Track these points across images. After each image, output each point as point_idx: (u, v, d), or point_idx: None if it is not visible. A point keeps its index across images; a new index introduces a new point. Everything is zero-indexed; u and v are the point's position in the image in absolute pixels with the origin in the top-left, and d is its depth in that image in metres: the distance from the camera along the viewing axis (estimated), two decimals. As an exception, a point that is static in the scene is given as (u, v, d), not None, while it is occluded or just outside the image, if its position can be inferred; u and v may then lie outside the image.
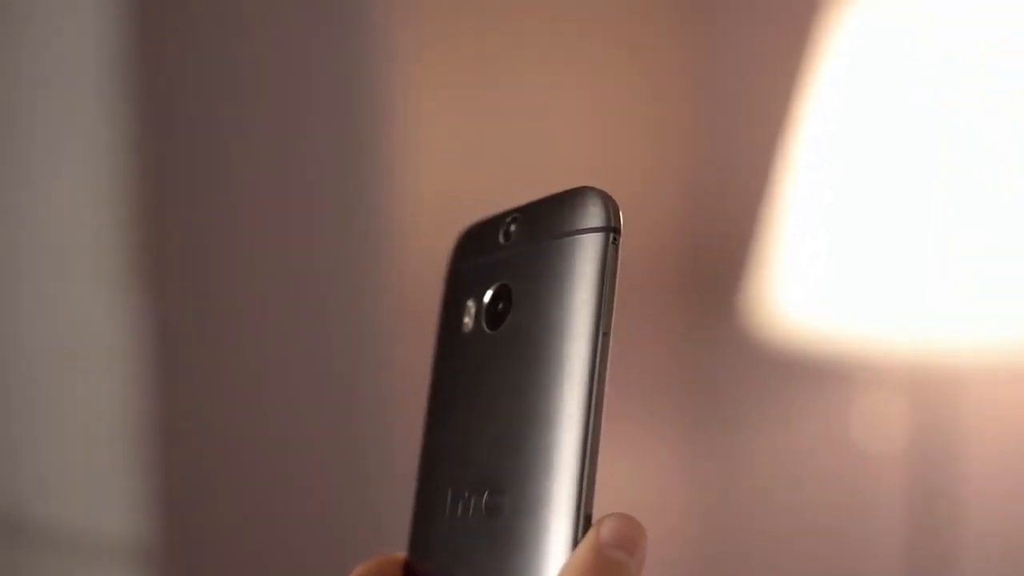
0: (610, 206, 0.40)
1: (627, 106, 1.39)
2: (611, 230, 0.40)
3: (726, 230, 1.42)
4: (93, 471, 1.55)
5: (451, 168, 1.23)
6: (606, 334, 0.39)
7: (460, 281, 0.44)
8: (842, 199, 1.11)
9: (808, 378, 1.38)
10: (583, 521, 0.39)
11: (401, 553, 0.45)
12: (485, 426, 0.41)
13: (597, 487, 0.39)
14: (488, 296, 0.43)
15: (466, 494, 0.42)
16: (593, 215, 0.40)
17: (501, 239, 0.43)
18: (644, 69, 1.40)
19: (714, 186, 1.44)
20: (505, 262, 0.42)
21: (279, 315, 1.32)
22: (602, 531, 0.38)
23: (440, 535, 0.42)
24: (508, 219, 0.43)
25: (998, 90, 1.07)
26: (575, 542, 0.38)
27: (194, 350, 1.41)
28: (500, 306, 0.42)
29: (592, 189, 0.41)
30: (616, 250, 0.40)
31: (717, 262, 1.43)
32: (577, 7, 1.33)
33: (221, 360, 1.38)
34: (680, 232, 1.43)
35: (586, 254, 0.40)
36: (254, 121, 1.32)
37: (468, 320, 0.43)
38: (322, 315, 1.27)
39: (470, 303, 0.43)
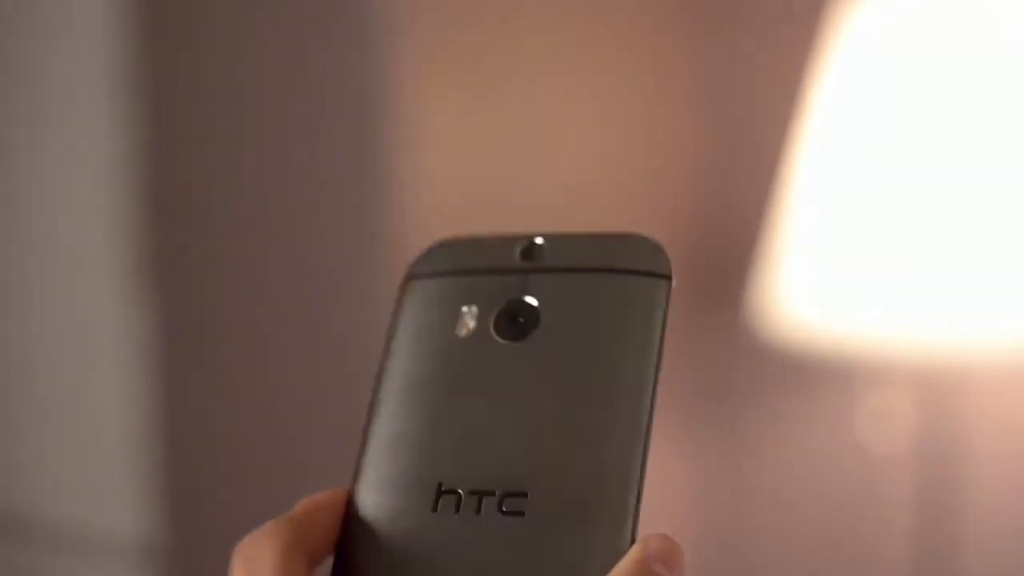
0: (664, 253, 0.43)
1: (634, 108, 1.39)
2: (665, 277, 0.43)
3: (733, 231, 1.42)
4: (101, 471, 1.55)
5: (458, 170, 1.23)
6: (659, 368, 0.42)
7: (445, 288, 0.44)
8: (848, 200, 1.11)
9: (814, 378, 1.38)
10: (631, 536, 0.40)
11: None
12: (498, 428, 0.41)
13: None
14: (502, 307, 0.43)
15: (462, 492, 0.41)
16: (652, 261, 0.43)
17: (520, 258, 0.44)
18: (651, 71, 1.40)
19: (720, 187, 1.44)
20: (525, 281, 0.43)
21: (287, 316, 1.32)
22: (650, 546, 0.40)
23: (423, 529, 0.41)
24: (529, 241, 0.44)
25: (1005, 91, 1.07)
26: (619, 554, 0.40)
27: (202, 350, 1.41)
28: (521, 318, 0.43)
29: (648, 237, 0.44)
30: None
31: (724, 263, 1.43)
32: (585, 10, 1.33)
33: (229, 360, 1.38)
34: (687, 233, 1.43)
35: (644, 296, 0.42)
36: (262, 123, 1.32)
37: (466, 326, 0.43)
38: (330, 316, 1.27)
39: (468, 309, 0.43)
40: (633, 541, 0.40)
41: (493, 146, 1.26)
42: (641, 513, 0.41)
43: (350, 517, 0.42)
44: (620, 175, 1.37)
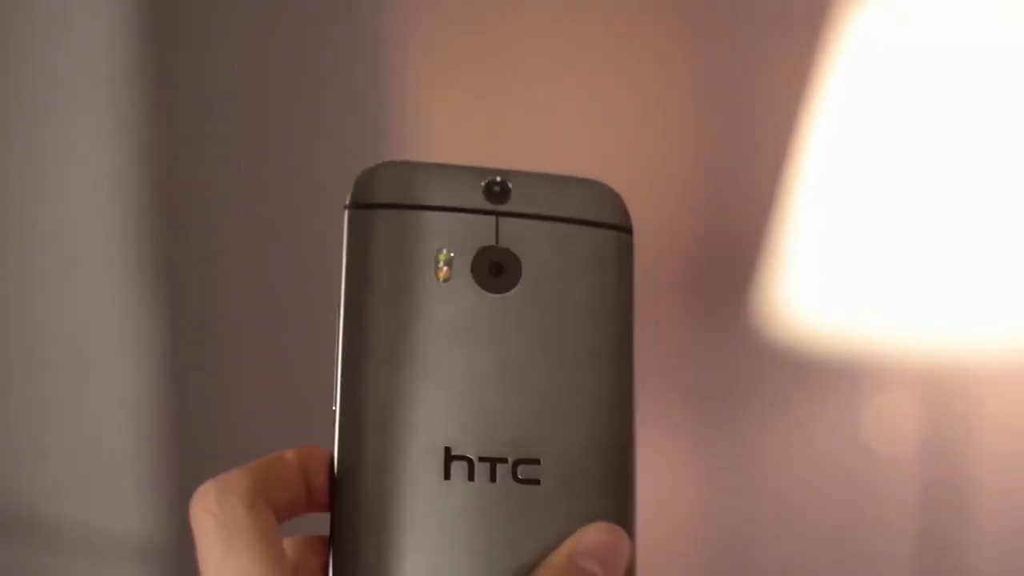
0: (626, 207, 0.43)
1: (637, 107, 1.39)
2: (630, 231, 0.43)
3: (737, 231, 1.42)
4: (103, 471, 1.55)
5: (460, 160, 1.23)
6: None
7: (410, 224, 0.41)
8: (853, 200, 1.11)
9: (819, 378, 1.38)
10: (634, 501, 0.40)
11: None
12: (503, 390, 0.40)
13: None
14: (479, 254, 0.41)
15: (475, 458, 0.39)
16: (619, 214, 0.43)
17: (485, 197, 0.42)
18: (653, 70, 1.40)
19: (725, 187, 1.44)
20: (497, 224, 0.42)
21: (289, 316, 1.32)
22: (583, 539, 0.38)
23: (436, 497, 0.39)
24: (491, 179, 0.42)
25: (1010, 91, 1.07)
26: (630, 518, 0.40)
27: (205, 350, 1.41)
28: (502, 268, 0.41)
29: (608, 186, 0.43)
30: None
31: (728, 263, 1.43)
32: (588, 9, 1.33)
33: (232, 360, 1.38)
34: (691, 233, 1.43)
35: (617, 251, 0.42)
36: (266, 122, 1.32)
37: (441, 271, 0.41)
38: (332, 317, 1.27)
39: (444, 253, 0.41)
40: (633, 500, 0.40)
41: (494, 146, 1.26)
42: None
43: (346, 478, 0.39)
44: (622, 175, 1.37)
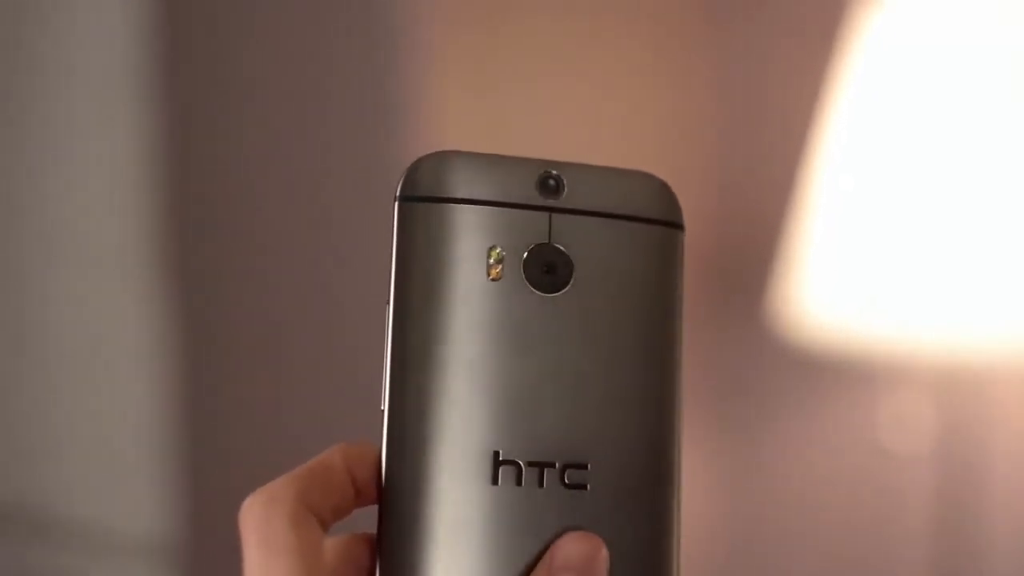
0: (680, 204, 0.43)
1: (653, 105, 1.38)
2: (683, 228, 0.42)
3: (751, 231, 1.42)
4: (118, 470, 1.55)
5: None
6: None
7: (462, 220, 0.40)
8: (869, 199, 1.10)
9: (834, 378, 1.38)
10: (679, 507, 0.40)
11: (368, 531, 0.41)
12: (551, 394, 0.40)
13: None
14: (534, 254, 0.41)
15: (523, 463, 0.39)
16: (671, 210, 0.42)
17: (539, 192, 0.41)
18: (670, 68, 1.40)
19: (740, 186, 1.43)
20: (551, 222, 0.41)
21: (306, 315, 1.32)
22: (557, 553, 0.38)
23: (485, 502, 0.39)
24: (545, 172, 0.41)
25: (1025, 89, 1.06)
26: (674, 523, 0.40)
27: (220, 349, 1.41)
28: (551, 268, 0.41)
29: (662, 181, 0.43)
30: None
31: (743, 262, 1.43)
32: (601, 8, 1.33)
33: (247, 359, 1.38)
34: (705, 233, 1.43)
35: (664, 249, 0.42)
36: (280, 120, 1.32)
37: (492, 270, 0.40)
38: (349, 315, 1.27)
39: (496, 251, 0.40)
40: (679, 511, 0.40)
41: (510, 143, 1.26)
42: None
43: (394, 481, 0.39)
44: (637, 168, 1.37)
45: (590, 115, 1.33)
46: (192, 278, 1.43)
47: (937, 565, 1.29)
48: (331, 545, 0.40)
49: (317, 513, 0.39)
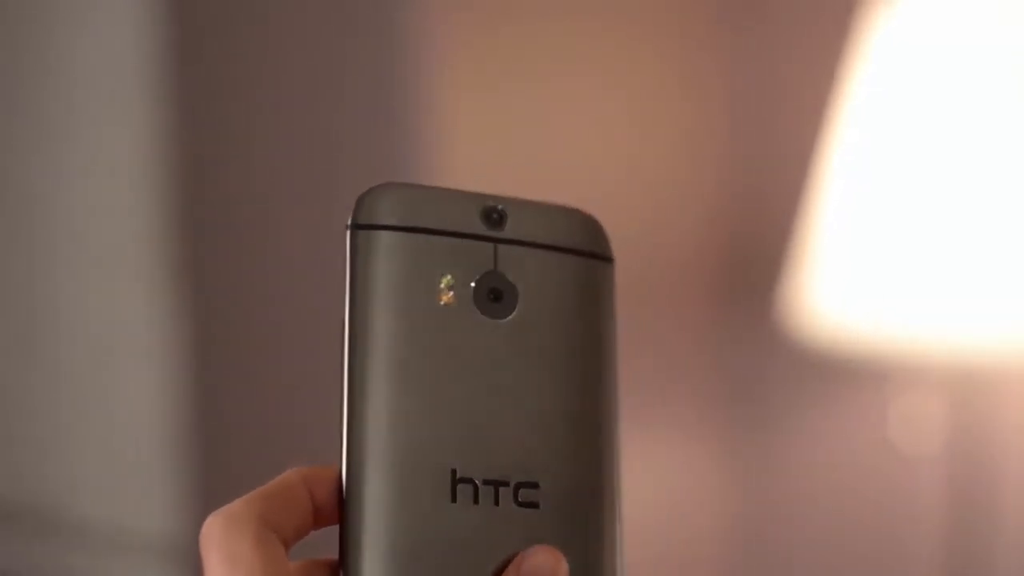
0: (608, 237, 0.45)
1: (663, 106, 1.38)
2: (611, 261, 0.45)
3: (763, 230, 1.42)
4: (129, 470, 1.55)
5: (486, 169, 1.23)
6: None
7: (414, 247, 0.42)
8: (880, 199, 1.10)
9: (845, 378, 1.37)
10: (620, 523, 0.42)
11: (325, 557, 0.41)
12: (503, 414, 0.41)
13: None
14: (480, 280, 0.42)
15: (477, 481, 0.40)
16: (600, 243, 0.45)
17: (481, 223, 0.43)
18: (680, 70, 1.40)
19: (750, 186, 1.43)
20: (495, 251, 0.43)
21: (317, 315, 1.32)
22: (528, 561, 0.39)
23: (443, 519, 0.40)
24: (489, 205, 0.43)
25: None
26: (616, 545, 0.41)
27: (232, 349, 1.41)
28: (501, 295, 0.42)
29: (592, 217, 0.45)
30: None
31: (754, 262, 1.43)
32: (614, 8, 1.33)
33: (259, 359, 1.38)
34: (717, 232, 1.43)
35: (600, 279, 0.44)
36: (292, 120, 1.33)
37: (444, 296, 0.42)
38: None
39: (446, 279, 0.42)
40: (620, 521, 0.42)
41: (522, 145, 1.26)
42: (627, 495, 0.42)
43: (354, 500, 0.40)
44: (650, 175, 1.37)
45: (599, 117, 1.33)
46: (201, 278, 1.43)
47: (949, 564, 1.28)
48: (293, 570, 0.40)
49: (279, 532, 0.39)
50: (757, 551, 1.48)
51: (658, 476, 1.40)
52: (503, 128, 1.25)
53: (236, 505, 0.39)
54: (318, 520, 0.40)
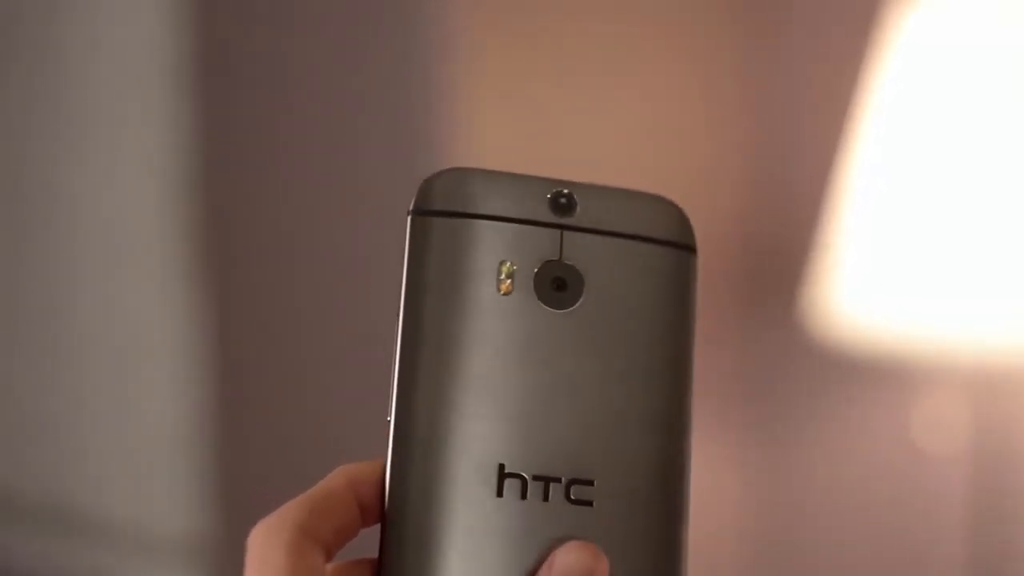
0: (692, 227, 0.43)
1: (685, 107, 1.38)
2: (695, 251, 0.43)
3: (785, 230, 1.41)
4: (151, 470, 1.56)
5: (507, 164, 1.23)
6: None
7: (473, 234, 0.41)
8: (903, 199, 1.10)
9: (867, 379, 1.37)
10: (686, 524, 0.41)
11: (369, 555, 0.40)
12: (559, 409, 0.40)
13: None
14: (545, 270, 0.41)
15: (529, 476, 0.39)
16: (683, 232, 0.43)
17: (551, 210, 0.41)
18: (702, 68, 1.40)
19: (773, 185, 1.43)
20: (562, 239, 0.41)
21: (339, 314, 1.32)
22: (559, 561, 0.38)
23: (488, 515, 0.39)
24: (557, 191, 0.42)
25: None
26: (681, 546, 0.40)
27: (255, 348, 1.42)
28: (562, 285, 0.41)
29: (675, 204, 0.43)
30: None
31: (775, 262, 1.42)
32: (634, 11, 1.33)
33: (282, 358, 1.39)
34: (739, 231, 1.43)
35: (677, 270, 0.42)
36: (315, 119, 1.33)
37: (503, 284, 0.40)
38: (382, 314, 1.27)
39: (507, 266, 0.40)
40: (685, 527, 0.40)
41: (544, 143, 1.26)
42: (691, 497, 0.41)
43: (398, 492, 0.39)
44: (669, 174, 1.37)
45: (620, 116, 1.32)
46: (224, 278, 1.44)
47: (973, 566, 1.28)
48: (331, 571, 0.40)
49: (320, 539, 0.39)
50: (778, 552, 1.47)
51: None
52: (524, 126, 1.25)
53: (279, 512, 0.39)
54: (366, 520, 0.40)
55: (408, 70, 1.24)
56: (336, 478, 0.40)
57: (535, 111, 1.25)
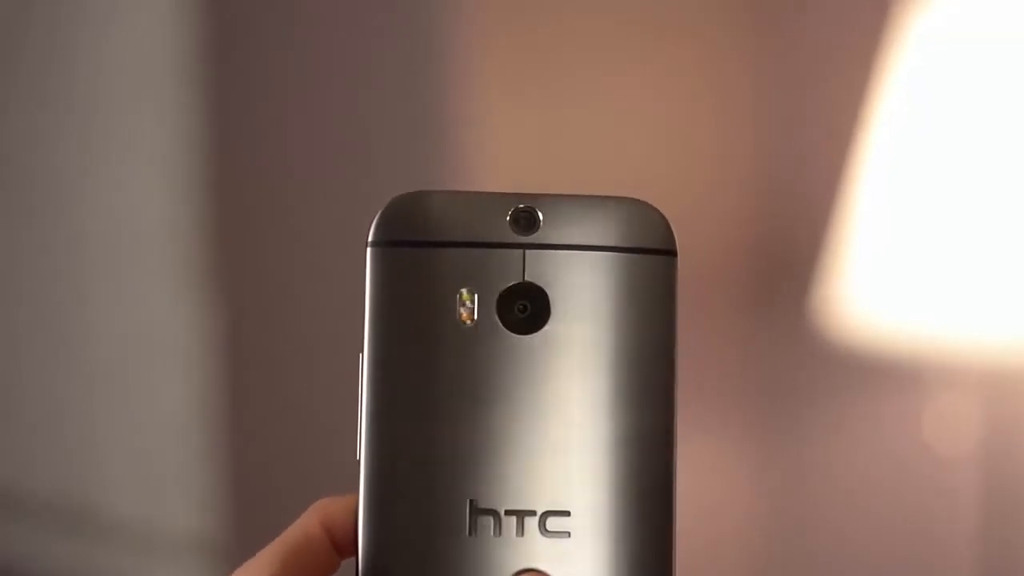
0: (670, 227, 0.40)
1: (695, 106, 1.38)
2: (675, 254, 0.40)
3: (796, 229, 1.41)
4: (161, 470, 1.56)
5: (518, 168, 1.23)
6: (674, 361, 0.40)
7: (432, 263, 0.39)
8: (913, 200, 1.10)
9: (879, 379, 1.37)
10: (672, 548, 0.39)
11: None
12: (529, 439, 0.38)
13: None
14: (504, 292, 0.39)
15: (502, 511, 0.38)
16: (657, 235, 0.40)
17: (512, 228, 0.39)
18: (712, 68, 1.39)
19: (783, 186, 1.43)
20: (524, 259, 0.39)
21: (351, 314, 1.32)
22: None
23: (461, 554, 0.38)
24: (517, 207, 0.39)
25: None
26: (668, 570, 0.39)
27: (262, 348, 1.42)
28: (527, 308, 0.39)
29: (649, 205, 0.40)
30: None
31: (786, 261, 1.42)
32: (645, 9, 1.32)
33: (289, 358, 1.39)
34: (749, 231, 1.42)
35: (654, 279, 0.40)
36: (324, 120, 1.33)
37: (467, 313, 0.39)
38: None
39: (467, 294, 0.39)
40: (671, 549, 0.39)
41: (553, 144, 1.26)
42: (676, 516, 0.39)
43: (370, 535, 0.38)
44: (681, 174, 1.36)
45: (630, 117, 1.32)
46: (232, 277, 1.44)
47: (986, 566, 1.28)
48: None
49: None
50: (789, 552, 1.47)
51: (688, 478, 1.40)
52: (533, 127, 1.24)
53: (252, 563, 0.39)
54: (344, 554, 0.40)
55: (419, 68, 1.24)
56: (310, 520, 0.40)
57: (544, 112, 1.25)
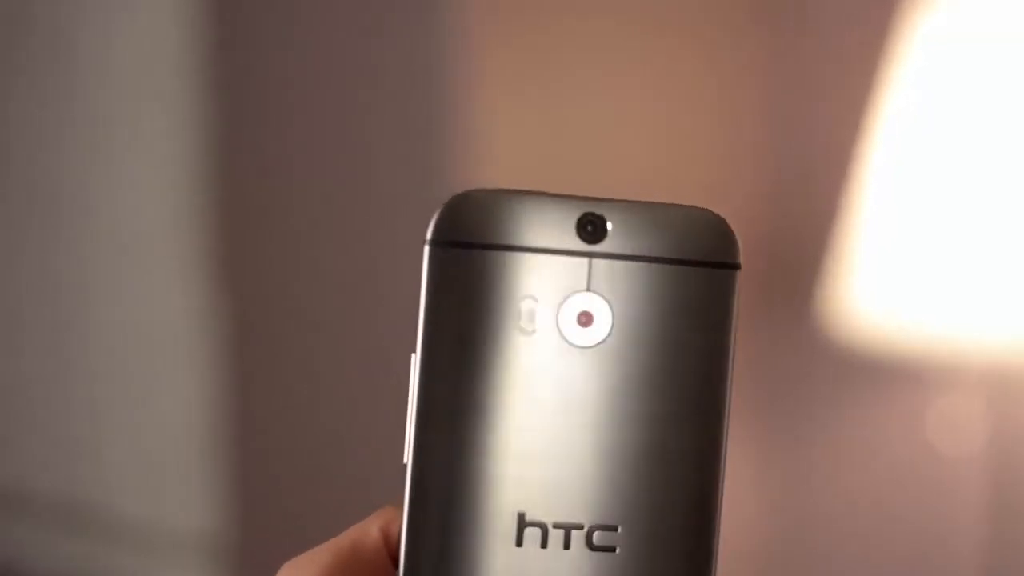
0: (736, 240, 0.40)
1: (701, 105, 1.38)
2: (738, 268, 0.40)
3: (798, 230, 1.41)
4: (167, 468, 1.56)
5: (522, 167, 1.23)
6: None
7: (494, 267, 0.38)
8: (919, 200, 1.10)
9: (884, 379, 1.37)
10: (715, 564, 0.39)
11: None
12: (582, 452, 0.38)
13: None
14: (570, 303, 0.38)
15: (550, 524, 0.38)
16: (722, 248, 0.39)
17: (579, 236, 0.39)
18: (719, 67, 1.39)
19: (789, 187, 1.43)
20: (590, 268, 0.39)
21: (355, 310, 1.32)
22: None
23: (507, 566, 0.38)
24: (585, 213, 0.39)
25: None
26: None
27: (270, 345, 1.42)
28: (592, 319, 0.38)
29: (717, 216, 0.40)
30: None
31: (791, 263, 1.42)
32: (647, 7, 1.33)
33: (297, 355, 1.39)
34: (751, 231, 1.42)
35: (716, 293, 0.39)
36: (331, 117, 1.33)
37: (528, 321, 0.38)
38: (398, 310, 1.28)
39: (528, 302, 0.38)
40: (714, 569, 0.39)
41: (558, 144, 1.26)
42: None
43: (415, 541, 0.38)
44: (687, 174, 1.36)
45: (636, 116, 1.32)
46: (239, 274, 1.44)
47: (990, 565, 1.28)
48: None
49: None
50: (796, 552, 1.47)
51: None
52: (535, 127, 1.24)
53: (309, 555, 0.39)
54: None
55: (425, 67, 1.24)
56: (371, 524, 0.40)
57: (551, 113, 1.25)
